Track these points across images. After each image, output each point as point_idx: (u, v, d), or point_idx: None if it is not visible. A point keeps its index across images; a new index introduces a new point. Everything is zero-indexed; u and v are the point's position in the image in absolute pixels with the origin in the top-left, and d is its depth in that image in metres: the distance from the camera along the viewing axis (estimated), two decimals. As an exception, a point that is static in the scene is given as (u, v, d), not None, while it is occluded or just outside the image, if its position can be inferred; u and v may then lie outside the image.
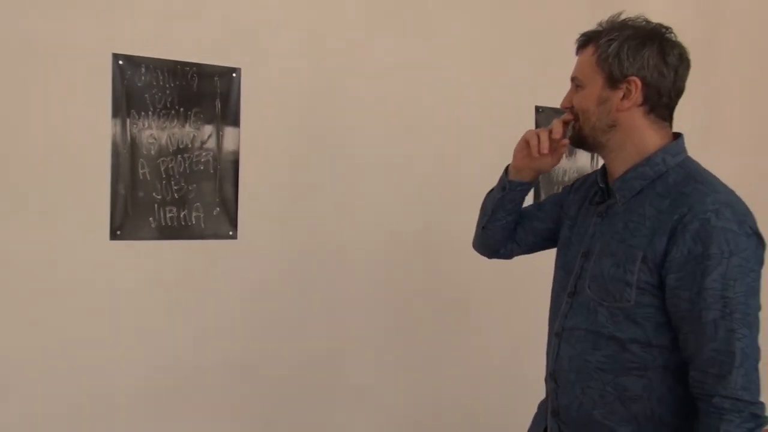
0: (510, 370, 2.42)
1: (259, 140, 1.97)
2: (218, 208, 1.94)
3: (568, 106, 1.26)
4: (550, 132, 1.33)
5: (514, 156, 1.41)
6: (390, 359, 2.24)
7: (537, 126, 2.52)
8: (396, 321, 2.25)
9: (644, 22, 1.22)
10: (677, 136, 1.23)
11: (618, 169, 1.23)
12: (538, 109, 2.54)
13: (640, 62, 1.17)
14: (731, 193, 1.17)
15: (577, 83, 1.24)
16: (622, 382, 1.18)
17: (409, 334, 2.27)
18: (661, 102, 1.19)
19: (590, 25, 1.25)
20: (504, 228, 1.49)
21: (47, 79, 1.70)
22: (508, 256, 1.56)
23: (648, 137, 1.20)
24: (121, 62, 1.78)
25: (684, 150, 1.22)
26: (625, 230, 1.18)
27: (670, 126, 1.24)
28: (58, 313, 1.75)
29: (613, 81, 1.19)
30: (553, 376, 1.31)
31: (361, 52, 2.13)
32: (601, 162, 1.31)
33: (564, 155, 1.44)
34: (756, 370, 1.10)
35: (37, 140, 1.70)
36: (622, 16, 1.23)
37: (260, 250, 2.01)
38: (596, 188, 1.31)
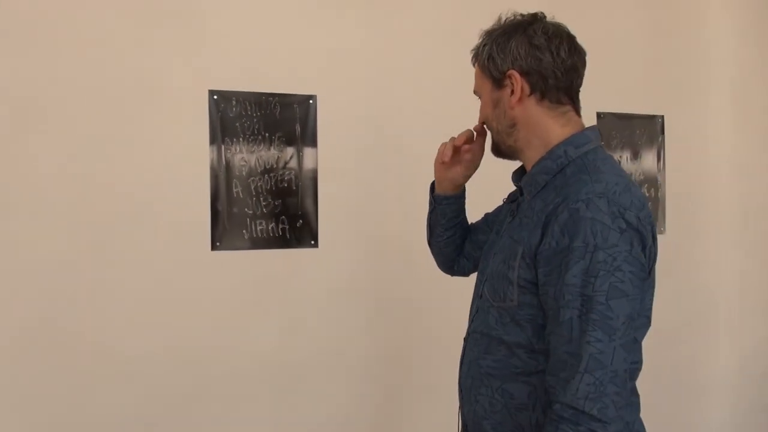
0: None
1: (334, 158, 2.20)
2: (301, 221, 2.17)
3: (480, 121, 1.28)
4: (454, 140, 1.36)
5: (434, 168, 1.44)
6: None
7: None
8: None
9: (513, 17, 1.20)
10: (591, 128, 1.17)
11: (528, 166, 1.19)
12: (599, 115, 2.62)
13: (511, 54, 1.14)
14: (621, 184, 1.05)
15: (478, 96, 1.26)
16: (508, 388, 1.10)
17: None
18: (549, 84, 1.12)
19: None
20: (448, 244, 1.48)
21: (156, 113, 2.01)
22: (463, 272, 1.53)
23: (550, 128, 1.14)
24: (215, 97, 2.06)
25: (591, 141, 1.13)
26: (520, 227, 1.12)
27: (574, 110, 1.16)
28: (168, 313, 2.03)
29: (496, 81, 1.17)
30: (458, 384, 1.26)
31: (425, 76, 2.31)
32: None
33: (478, 166, 1.40)
34: (616, 383, 0.95)
35: (148, 166, 2.00)
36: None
37: (338, 257, 2.22)
38: (515, 188, 1.27)
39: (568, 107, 1.15)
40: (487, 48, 1.19)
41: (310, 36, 2.17)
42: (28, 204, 1.88)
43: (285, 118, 2.14)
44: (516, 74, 1.14)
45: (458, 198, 1.44)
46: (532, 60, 1.13)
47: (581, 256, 0.98)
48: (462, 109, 2.41)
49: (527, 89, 1.14)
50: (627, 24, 2.65)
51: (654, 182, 2.77)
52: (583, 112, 2.62)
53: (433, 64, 2.32)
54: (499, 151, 1.24)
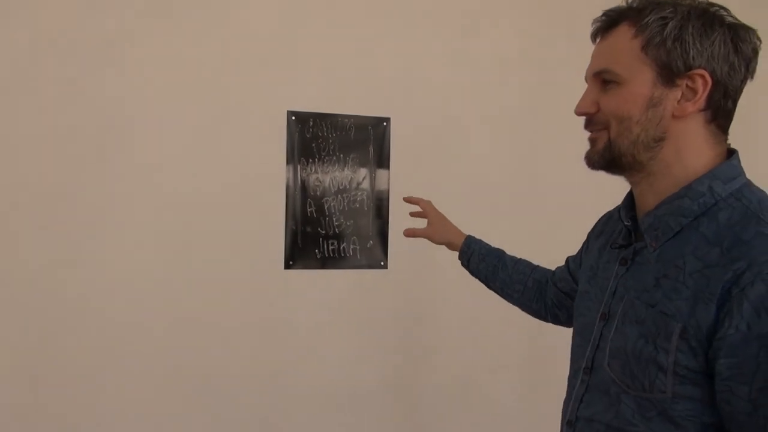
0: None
1: (405, 180, 2.21)
2: (371, 241, 2.18)
3: (592, 112, 0.91)
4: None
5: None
6: (527, 379, 2.35)
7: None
8: (532, 344, 2.37)
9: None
10: (730, 153, 0.89)
11: (649, 200, 0.91)
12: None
13: (710, 50, 0.84)
14: None
15: (607, 78, 0.89)
16: None
17: (544, 358, 2.38)
18: (726, 107, 0.87)
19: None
20: (514, 300, 1.40)
21: (236, 132, 2.05)
22: (561, 323, 1.36)
23: (701, 158, 0.87)
24: (293, 117, 2.10)
25: (741, 173, 0.88)
26: (656, 289, 0.85)
27: (726, 141, 0.91)
28: (242, 330, 2.05)
29: (670, 75, 0.85)
30: None
31: (497, 102, 2.33)
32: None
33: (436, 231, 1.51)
34: None
35: (227, 183, 2.04)
36: None
37: (407, 278, 2.23)
38: (620, 227, 0.99)
39: (724, 138, 0.90)
40: (673, 24, 0.85)
41: (386, 60, 2.20)
42: (114, 219, 1.93)
43: (359, 140, 2.17)
44: (708, 78, 0.84)
45: (463, 251, 1.47)
46: (729, 69, 0.85)
47: None
48: (533, 134, 2.42)
49: (704, 102, 0.85)
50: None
51: None
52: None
53: (504, 91, 2.33)
54: (614, 164, 0.91)
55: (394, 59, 2.20)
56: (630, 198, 0.98)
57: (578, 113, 0.94)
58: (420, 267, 2.25)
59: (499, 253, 1.46)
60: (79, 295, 1.90)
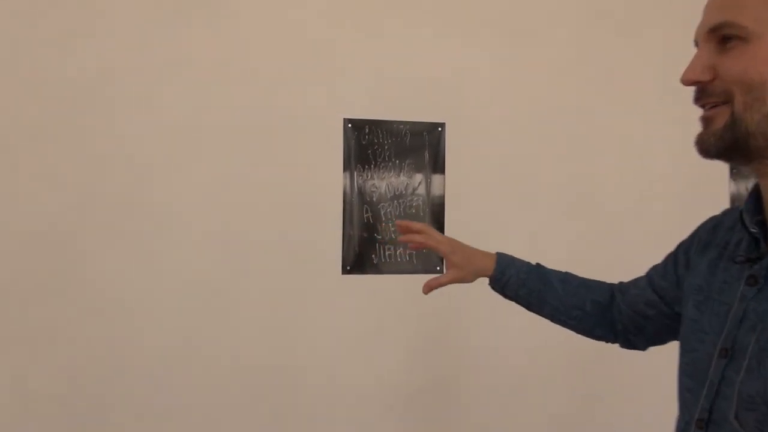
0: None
1: (461, 185, 2.21)
2: (427, 246, 2.19)
3: (705, 79, 0.69)
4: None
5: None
6: (581, 388, 2.31)
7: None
8: (589, 353, 2.33)
9: None
10: None
11: None
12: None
13: None
14: None
15: (727, 34, 0.68)
16: None
17: (602, 368, 2.33)
18: None
19: None
20: (565, 324, 1.17)
21: (295, 140, 2.10)
22: (634, 348, 1.13)
23: None
24: (349, 125, 2.13)
25: None
26: None
27: None
28: (300, 334, 2.09)
29: None
30: None
31: (549, 105, 2.30)
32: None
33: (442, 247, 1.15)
34: None
35: (286, 193, 2.09)
36: None
37: (462, 283, 2.22)
38: (741, 235, 0.79)
39: None
40: None
41: (440, 66, 2.21)
42: (174, 228, 2.01)
43: (414, 146, 2.18)
44: None
45: (494, 279, 1.17)
46: None
47: None
48: (589, 136, 2.38)
49: None
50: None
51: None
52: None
53: (558, 95, 2.30)
54: (733, 144, 0.68)
55: (448, 64, 2.21)
56: (755, 198, 0.75)
57: (686, 82, 0.71)
58: (476, 272, 2.24)
59: (541, 273, 1.18)
60: (139, 304, 1.98)
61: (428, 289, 1.20)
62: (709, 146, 0.70)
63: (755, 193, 0.75)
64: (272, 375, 2.06)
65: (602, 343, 2.33)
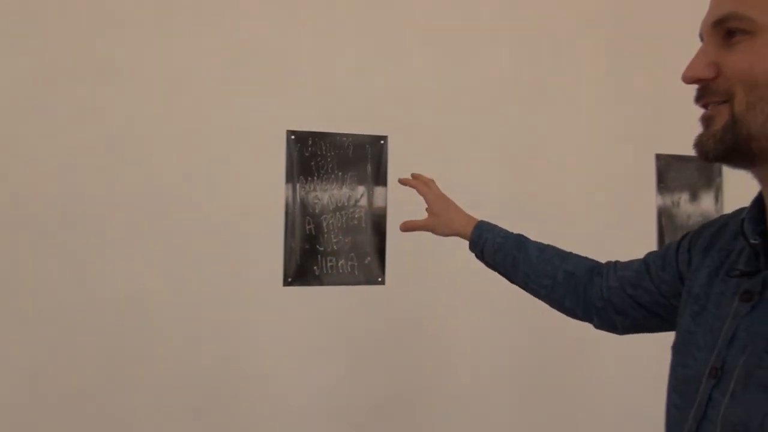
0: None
1: (403, 197, 2.24)
2: (369, 258, 2.21)
3: (708, 77, 0.64)
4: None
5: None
6: (520, 396, 2.38)
7: (657, 173, 2.63)
8: (528, 359, 2.40)
9: None
10: None
11: None
12: (658, 156, 2.65)
13: None
14: None
15: (733, 28, 0.63)
16: None
17: (547, 371, 2.41)
18: None
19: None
20: (537, 293, 1.16)
21: (236, 151, 2.08)
22: (611, 329, 1.08)
23: None
24: (293, 137, 2.13)
25: None
26: None
27: None
28: (241, 346, 2.08)
29: None
30: None
31: (488, 118, 2.37)
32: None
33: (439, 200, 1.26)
34: None
35: (227, 204, 2.07)
36: None
37: (404, 294, 2.26)
38: (744, 245, 0.73)
39: None
40: None
41: (383, 79, 2.23)
42: (114, 240, 1.96)
43: (357, 158, 2.20)
44: None
45: (472, 241, 1.21)
46: None
47: None
48: (531, 150, 2.46)
49: None
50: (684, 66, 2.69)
51: (712, 224, 2.77)
52: (643, 154, 2.70)
53: (498, 109, 2.37)
54: (733, 146, 0.63)
55: (391, 78, 2.24)
56: (758, 206, 0.70)
57: (687, 79, 0.66)
58: (417, 282, 2.28)
59: (519, 241, 1.18)
60: (73, 318, 1.92)
61: (404, 227, 1.27)
62: (707, 149, 0.64)
63: (758, 202, 0.69)
64: (211, 389, 2.03)
65: (544, 359, 2.40)
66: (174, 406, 1.99)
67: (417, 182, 1.30)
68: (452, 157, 2.32)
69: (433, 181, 1.31)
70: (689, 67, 0.65)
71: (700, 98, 0.66)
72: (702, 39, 0.67)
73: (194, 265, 2.03)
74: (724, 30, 0.63)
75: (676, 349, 0.77)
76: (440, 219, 1.27)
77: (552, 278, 1.12)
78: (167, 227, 2.01)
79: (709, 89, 0.64)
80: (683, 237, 0.91)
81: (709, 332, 0.70)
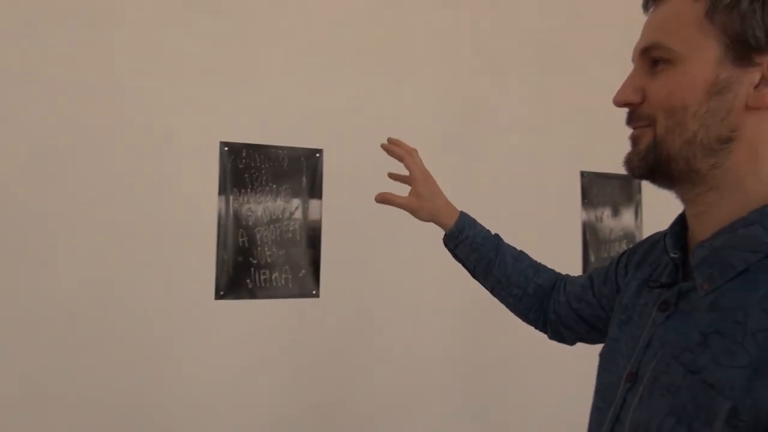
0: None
1: (338, 210, 2.26)
2: (303, 270, 2.21)
3: (634, 101, 0.70)
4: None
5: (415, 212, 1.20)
6: (453, 406, 2.42)
7: (582, 189, 2.76)
8: (458, 373, 2.44)
9: None
10: None
11: (708, 226, 0.68)
12: (582, 173, 2.78)
13: None
14: None
15: (657, 56, 0.67)
16: None
17: (479, 381, 2.46)
18: None
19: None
20: (503, 299, 1.16)
21: (168, 162, 2.04)
22: (562, 341, 1.13)
23: None
24: (226, 148, 2.11)
25: None
26: (702, 348, 0.62)
27: None
28: (170, 361, 2.02)
29: (744, 50, 0.63)
30: None
31: (423, 132, 2.43)
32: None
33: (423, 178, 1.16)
34: None
35: (157, 215, 2.02)
36: None
37: (338, 307, 2.26)
38: (666, 260, 0.78)
39: None
40: None
41: (319, 92, 2.25)
42: (37, 251, 1.87)
43: (292, 170, 2.20)
44: None
45: (452, 238, 1.15)
46: None
47: None
48: (466, 164, 2.53)
49: None
50: (612, 90, 2.84)
51: (632, 238, 2.92)
52: (568, 171, 2.82)
53: (432, 125, 2.43)
54: (660, 170, 0.68)
55: (326, 91, 2.26)
56: (681, 223, 0.74)
57: (616, 103, 0.71)
58: (352, 295, 2.29)
59: (496, 244, 1.16)
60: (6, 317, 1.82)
61: (381, 199, 1.17)
62: (633, 166, 0.70)
63: (681, 219, 0.74)
64: (138, 409, 1.96)
65: (478, 370, 2.46)
66: (98, 426, 1.91)
67: (401, 151, 1.19)
68: (387, 170, 2.35)
69: (416, 150, 1.21)
70: (619, 92, 0.70)
71: (629, 121, 0.71)
72: (634, 63, 0.72)
73: (121, 278, 1.96)
74: (650, 58, 0.68)
75: (603, 356, 0.81)
76: (425, 202, 1.18)
77: (523, 289, 1.14)
78: (95, 239, 1.94)
79: (636, 113, 0.69)
80: (624, 252, 0.96)
81: (631, 340, 0.74)
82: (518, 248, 1.18)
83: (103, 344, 1.93)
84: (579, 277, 1.10)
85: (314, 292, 2.22)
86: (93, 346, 1.92)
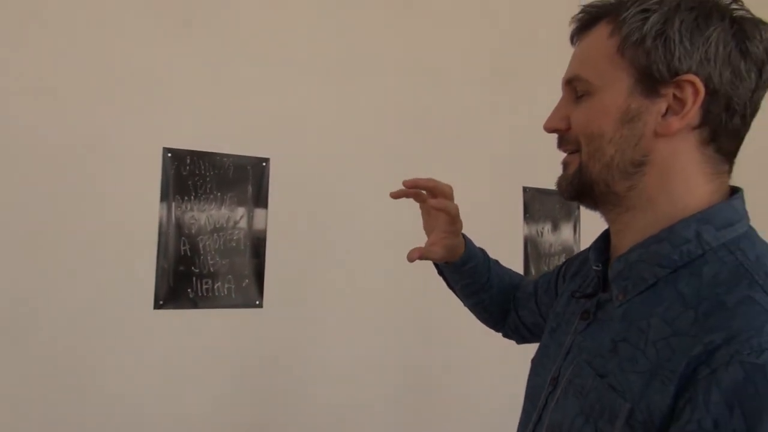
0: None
1: (284, 220, 2.24)
2: (247, 280, 2.18)
3: (560, 128, 0.75)
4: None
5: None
6: (396, 421, 2.43)
7: (524, 205, 2.84)
8: (404, 383, 2.46)
9: None
10: (734, 190, 0.71)
11: (626, 242, 0.73)
12: (525, 189, 2.86)
13: (703, 50, 0.66)
14: None
15: (578, 87, 0.73)
16: None
17: (416, 399, 2.47)
18: (730, 126, 0.68)
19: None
20: (476, 313, 1.21)
21: (108, 169, 1.98)
22: (509, 338, 1.22)
23: (694, 189, 0.69)
24: (169, 154, 2.07)
25: (742, 218, 0.69)
26: (612, 355, 0.67)
27: (730, 172, 0.72)
28: (108, 373, 1.95)
29: (651, 82, 0.68)
30: None
31: (370, 144, 2.45)
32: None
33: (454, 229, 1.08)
34: None
35: (95, 221, 1.95)
36: None
37: (282, 318, 2.24)
38: (593, 272, 0.82)
39: (727, 168, 0.71)
40: (656, 18, 0.67)
41: (267, 100, 2.24)
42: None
43: (238, 179, 2.17)
44: (701, 85, 0.66)
45: (456, 267, 1.13)
46: (731, 76, 0.66)
47: None
48: (410, 172, 2.55)
49: (697, 118, 0.68)
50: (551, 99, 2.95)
51: (571, 252, 3.03)
52: (510, 187, 2.90)
53: (383, 134, 2.46)
54: (586, 192, 0.74)
55: (275, 100, 2.25)
56: (604, 238, 0.80)
57: (546, 129, 0.77)
58: (296, 306, 2.27)
59: (488, 267, 1.17)
60: None
61: (418, 255, 1.07)
62: (563, 190, 0.77)
63: (605, 235, 0.80)
64: (73, 421, 1.88)
65: (426, 379, 2.47)
66: (22, 441, 1.82)
67: (438, 201, 1.09)
68: (334, 181, 2.36)
69: (451, 187, 1.13)
70: (549, 120, 0.77)
71: (559, 145, 0.77)
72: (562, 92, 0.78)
73: (54, 286, 1.88)
74: (573, 88, 0.74)
75: (534, 361, 0.88)
76: (456, 240, 1.10)
77: (501, 308, 1.19)
78: (29, 244, 1.85)
79: (564, 139, 0.76)
80: (564, 262, 1.04)
81: (557, 346, 0.81)
82: (495, 259, 1.22)
83: (33, 357, 1.84)
84: (528, 283, 1.17)
85: (258, 302, 2.19)
86: (22, 359, 1.83)
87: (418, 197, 1.18)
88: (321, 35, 2.37)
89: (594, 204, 0.75)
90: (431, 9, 2.61)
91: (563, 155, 0.77)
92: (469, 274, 1.14)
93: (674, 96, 0.67)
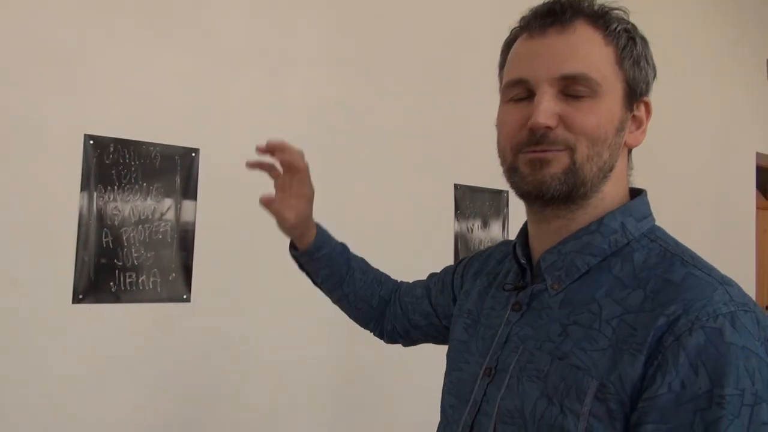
0: None
1: (214, 213, 2.19)
2: (174, 274, 2.11)
3: (553, 125, 0.72)
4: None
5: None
6: (329, 414, 2.43)
7: (455, 202, 2.90)
8: (336, 376, 2.46)
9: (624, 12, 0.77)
10: (638, 191, 0.81)
11: (551, 237, 0.78)
12: (456, 186, 2.92)
13: (652, 75, 0.76)
14: (737, 285, 0.68)
15: (580, 86, 0.72)
16: None
17: (350, 392, 2.48)
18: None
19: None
20: (346, 310, 1.21)
21: (25, 155, 1.87)
22: (395, 342, 1.22)
23: (620, 189, 0.78)
24: (91, 142, 1.97)
25: (651, 213, 0.78)
26: (564, 338, 0.71)
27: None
28: (22, 371, 1.84)
29: (632, 98, 0.75)
30: None
31: (304, 139, 2.41)
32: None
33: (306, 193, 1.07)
34: None
35: (9, 210, 1.84)
36: None
37: (211, 311, 2.19)
38: (510, 266, 0.88)
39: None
40: (638, 39, 0.75)
41: (198, 89, 2.18)
42: None
43: (165, 169, 2.10)
44: (650, 105, 0.78)
45: (309, 254, 1.10)
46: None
47: (736, 412, 0.58)
48: (341, 166, 2.55)
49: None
50: (485, 110, 3.02)
51: (499, 249, 3.12)
52: (442, 184, 2.94)
53: (316, 129, 2.44)
54: (571, 190, 0.74)
55: (207, 91, 2.19)
56: (524, 235, 0.85)
57: (538, 126, 0.72)
58: (225, 300, 2.22)
59: (346, 258, 1.18)
60: None
61: (269, 201, 1.09)
62: (548, 188, 0.73)
63: (524, 231, 0.85)
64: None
65: (356, 373, 2.47)
66: None
67: (289, 155, 1.09)
68: (265, 174, 2.32)
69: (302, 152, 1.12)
70: (542, 115, 0.71)
71: (539, 142, 0.73)
72: (524, 83, 0.74)
73: (-40, 279, 1.76)
74: (565, 84, 0.72)
75: (450, 357, 0.90)
76: (308, 205, 1.12)
77: (368, 303, 1.20)
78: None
79: (549, 137, 0.72)
80: (458, 263, 1.08)
81: (481, 340, 0.84)
82: (360, 255, 1.23)
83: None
84: (414, 286, 1.17)
85: (185, 296, 2.13)
86: None
87: (272, 171, 1.15)
88: (255, 25, 2.32)
89: (565, 203, 0.75)
90: (367, 5, 2.61)
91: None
92: (325, 263, 1.13)
93: (634, 114, 0.76)
